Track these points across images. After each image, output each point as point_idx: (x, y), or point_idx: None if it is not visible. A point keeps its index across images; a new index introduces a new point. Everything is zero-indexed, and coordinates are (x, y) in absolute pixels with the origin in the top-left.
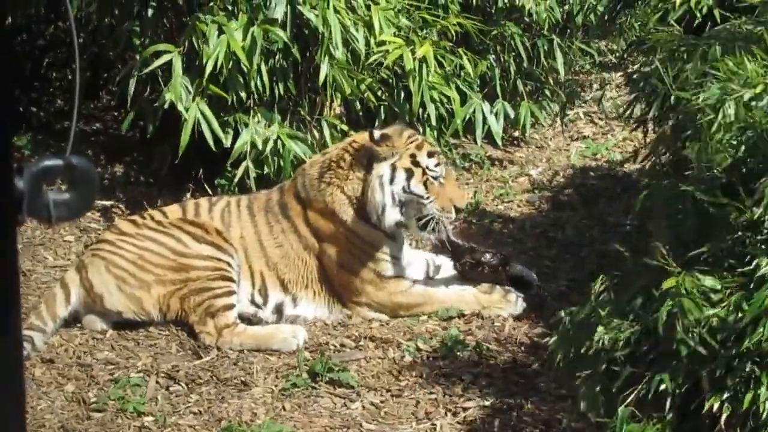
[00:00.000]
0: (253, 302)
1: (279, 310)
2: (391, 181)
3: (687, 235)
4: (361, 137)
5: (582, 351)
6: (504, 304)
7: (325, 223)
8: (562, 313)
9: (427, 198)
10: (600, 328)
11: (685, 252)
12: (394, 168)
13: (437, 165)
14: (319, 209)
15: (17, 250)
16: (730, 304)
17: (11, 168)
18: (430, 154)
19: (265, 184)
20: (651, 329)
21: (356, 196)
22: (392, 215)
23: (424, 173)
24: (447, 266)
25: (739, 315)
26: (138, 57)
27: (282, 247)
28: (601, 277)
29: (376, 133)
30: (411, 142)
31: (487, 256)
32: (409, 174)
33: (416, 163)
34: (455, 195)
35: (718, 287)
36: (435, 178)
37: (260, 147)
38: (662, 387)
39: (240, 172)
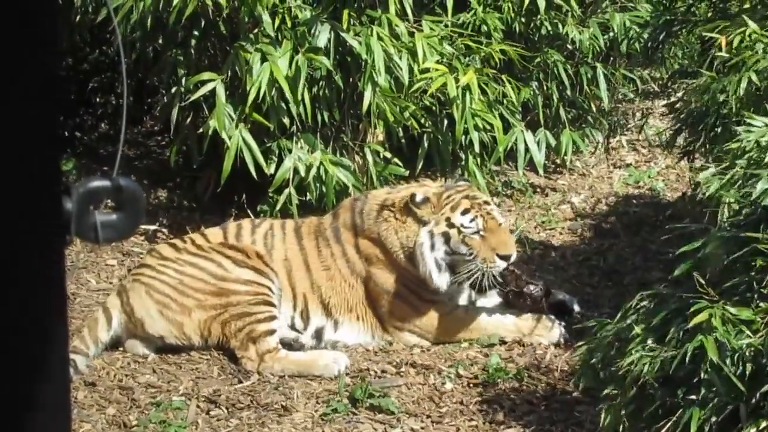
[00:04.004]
0: (292, 326)
1: (319, 334)
2: (432, 247)
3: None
4: (416, 190)
5: (612, 369)
6: (544, 332)
7: (374, 250)
8: (591, 323)
9: (470, 254)
10: (635, 350)
11: (718, 284)
12: (432, 235)
13: (473, 220)
14: (372, 238)
15: (65, 271)
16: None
17: (60, 189)
18: (465, 212)
19: (307, 210)
20: (686, 356)
21: (408, 245)
22: (441, 280)
23: (459, 232)
24: (489, 292)
25: None
26: (182, 85)
27: (329, 270)
28: (639, 295)
29: (418, 196)
30: (446, 204)
31: (531, 287)
32: (447, 237)
33: (451, 225)
34: (499, 244)
35: (754, 318)
36: (476, 233)
37: (303, 174)
38: (694, 420)
39: (282, 198)
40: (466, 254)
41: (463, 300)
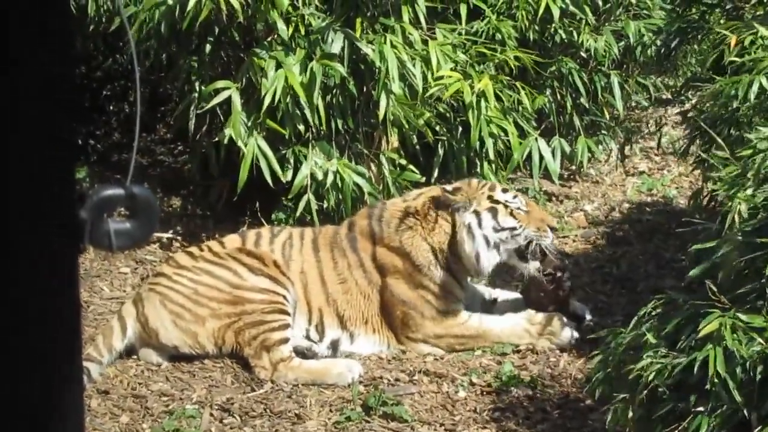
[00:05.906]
0: (308, 339)
1: (334, 346)
2: (480, 225)
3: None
4: (437, 191)
5: (623, 374)
6: (555, 334)
7: (393, 259)
8: (605, 332)
9: (520, 226)
10: (647, 356)
11: (729, 291)
12: (477, 213)
13: (515, 197)
14: (391, 247)
15: (79, 279)
16: None
17: (74, 196)
18: (504, 190)
19: (324, 217)
20: (697, 362)
21: (440, 248)
22: (489, 259)
23: (506, 206)
24: (503, 299)
25: None
26: (196, 93)
27: (345, 282)
28: (652, 302)
29: (449, 187)
30: (483, 186)
31: (565, 281)
32: (494, 212)
33: (495, 201)
34: (544, 216)
35: (765, 326)
36: (518, 209)
37: (320, 179)
38: (703, 428)
39: (301, 206)
40: (515, 227)
41: (477, 307)
